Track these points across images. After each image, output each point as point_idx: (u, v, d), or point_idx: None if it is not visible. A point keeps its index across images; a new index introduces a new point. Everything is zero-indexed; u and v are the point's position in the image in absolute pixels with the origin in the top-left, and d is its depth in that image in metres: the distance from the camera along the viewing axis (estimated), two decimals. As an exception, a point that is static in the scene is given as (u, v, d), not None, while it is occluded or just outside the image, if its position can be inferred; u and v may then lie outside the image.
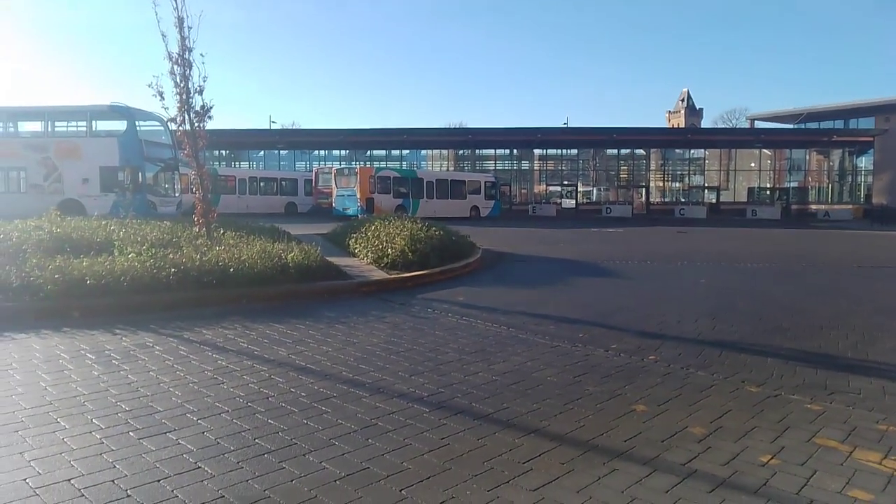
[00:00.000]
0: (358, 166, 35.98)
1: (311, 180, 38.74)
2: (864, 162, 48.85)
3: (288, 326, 6.75)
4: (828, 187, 51.12)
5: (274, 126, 64.53)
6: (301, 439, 3.70)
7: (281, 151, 51.32)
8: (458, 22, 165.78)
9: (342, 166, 38.05)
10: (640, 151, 54.01)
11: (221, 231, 11.67)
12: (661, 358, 5.83)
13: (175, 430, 3.80)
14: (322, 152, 52.20)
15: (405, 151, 52.59)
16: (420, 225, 13.04)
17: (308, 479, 3.18)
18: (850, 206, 44.29)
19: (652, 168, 54.56)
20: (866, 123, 48.67)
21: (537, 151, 53.88)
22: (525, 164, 54.70)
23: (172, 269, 7.99)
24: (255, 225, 14.19)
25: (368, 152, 52.06)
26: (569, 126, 53.90)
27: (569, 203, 46.94)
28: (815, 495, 3.14)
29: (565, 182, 51.64)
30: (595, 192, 53.59)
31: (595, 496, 3.08)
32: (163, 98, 10.79)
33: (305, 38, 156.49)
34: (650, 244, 20.33)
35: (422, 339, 6.38)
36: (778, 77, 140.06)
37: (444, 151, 54.38)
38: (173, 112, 11.08)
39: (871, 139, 46.69)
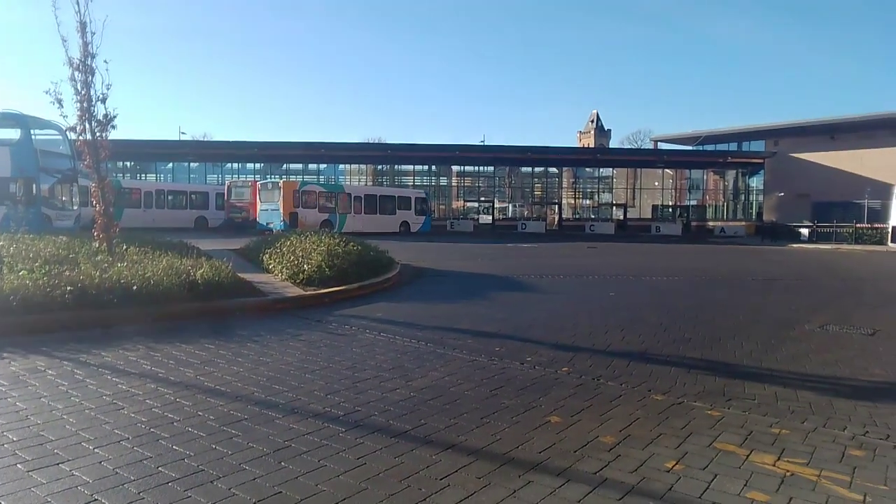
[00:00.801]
0: (282, 181, 35.41)
1: (224, 194, 37.46)
2: (756, 182, 52.55)
3: (196, 346, 6.46)
4: (723, 205, 54.62)
5: (184, 137, 62.06)
6: (208, 465, 3.52)
7: (191, 164, 49.35)
8: (379, 38, 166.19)
9: (266, 180, 37.15)
10: (553, 170, 55.80)
11: (124, 246, 11.05)
12: (574, 369, 6.00)
13: (69, 460, 3.53)
14: (235, 165, 50.67)
15: (322, 165, 51.90)
16: (338, 240, 12.87)
17: (216, 507, 3.04)
18: (744, 223, 47.45)
19: (564, 186, 56.49)
20: (757, 146, 52.54)
21: (455, 168, 54.62)
22: (443, 180, 55.30)
23: (69, 288, 7.47)
24: (161, 240, 13.53)
25: (284, 166, 51.03)
26: (486, 144, 55.04)
27: (486, 219, 47.79)
28: (717, 498, 3.30)
29: (482, 198, 52.53)
30: (511, 208, 54.88)
31: (511, 509, 3.11)
32: (62, 106, 10.23)
33: (218, 49, 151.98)
34: (563, 259, 20.98)
35: (338, 356, 6.26)
36: (680, 101, 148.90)
37: (363, 166, 54.05)
38: (73, 121, 10.50)
39: (761, 161, 50.35)
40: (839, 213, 38.82)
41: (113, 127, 10.72)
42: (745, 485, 3.47)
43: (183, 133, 66.70)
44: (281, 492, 3.22)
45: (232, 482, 3.32)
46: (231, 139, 53.95)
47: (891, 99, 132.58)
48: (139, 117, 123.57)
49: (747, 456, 3.90)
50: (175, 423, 4.18)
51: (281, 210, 31.31)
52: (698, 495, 3.33)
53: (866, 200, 38.03)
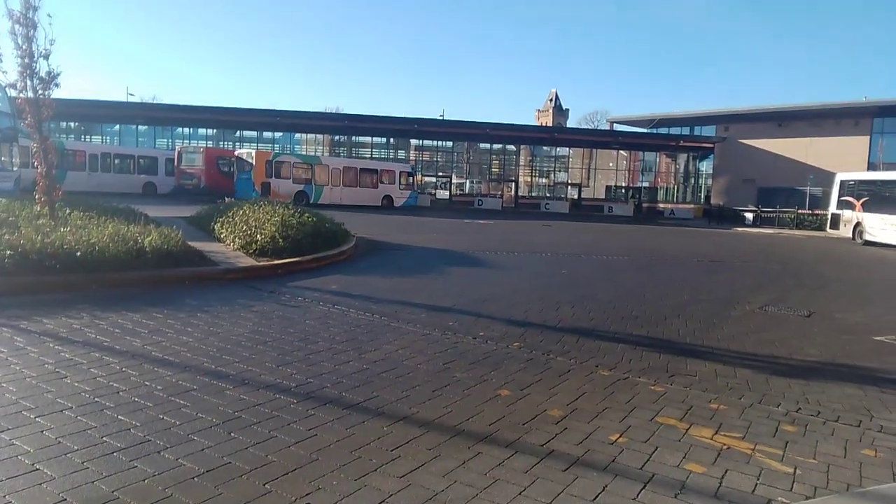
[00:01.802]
0: (255, 151, 35.73)
1: (174, 159, 36.28)
2: (706, 166, 53.86)
3: (144, 315, 6.31)
4: (674, 188, 55.82)
5: (132, 99, 59.64)
6: (156, 435, 3.48)
7: (140, 127, 47.51)
8: (340, 6, 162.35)
9: (242, 150, 37.31)
10: (511, 147, 55.94)
11: (67, 211, 10.65)
12: (525, 344, 6.11)
13: (8, 429, 3.43)
14: (186, 130, 49.01)
15: (278, 134, 50.70)
16: (292, 210, 12.69)
17: (163, 478, 3.01)
18: (692, 206, 48.68)
19: (521, 163, 56.69)
20: (708, 131, 53.68)
21: (414, 142, 54.14)
22: (402, 154, 54.80)
23: (8, 252, 7.18)
24: (107, 205, 13.08)
25: (238, 133, 49.66)
26: (445, 119, 54.66)
27: (443, 194, 47.71)
28: (657, 469, 3.45)
29: (440, 173, 52.36)
30: (468, 184, 54.89)
31: (460, 479, 3.18)
32: (1, 60, 9.76)
33: (169, 11, 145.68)
34: (518, 236, 21.19)
35: (291, 328, 6.22)
36: (636, 84, 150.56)
37: (319, 136, 53.05)
38: (13, 77, 10.01)
39: (712, 146, 51.58)
40: (783, 199, 40.22)
41: (56, 85, 10.26)
42: (684, 457, 3.64)
43: (131, 95, 64.10)
44: (230, 462, 3.21)
45: (180, 452, 3.29)
46: (182, 103, 52.02)
47: (838, 90, 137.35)
48: (84, 75, 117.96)
49: (687, 430, 4.07)
50: (121, 393, 4.10)
51: (253, 179, 31.64)
52: (639, 467, 3.47)
53: (809, 187, 39.45)
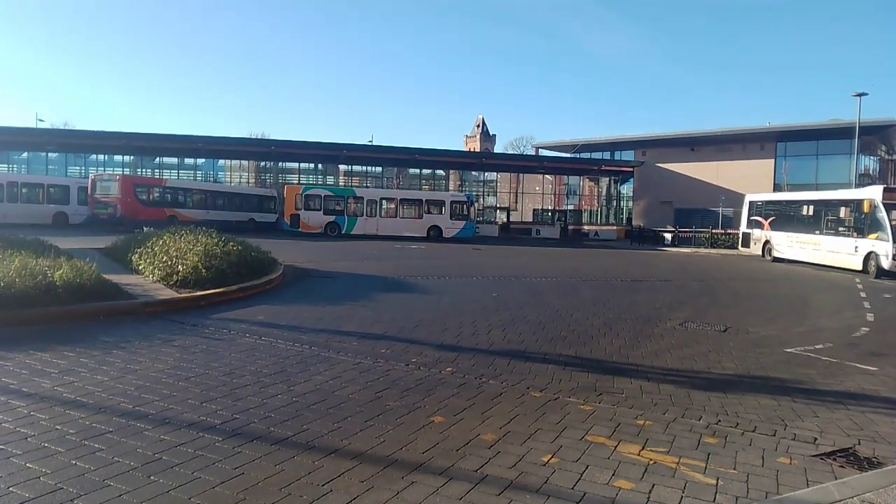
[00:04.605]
0: (286, 186, 37.34)
1: (87, 188, 34.56)
2: (626, 189, 56.23)
3: (54, 354, 5.93)
4: (598, 210, 57.92)
5: (42, 125, 56.68)
6: (68, 483, 3.26)
7: (50, 154, 45.17)
8: (262, 28, 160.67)
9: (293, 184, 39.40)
10: (441, 172, 56.62)
11: (-32, 244, 9.93)
12: (458, 369, 6.13)
13: None
14: (101, 157, 46.91)
15: (201, 161, 49.31)
16: (216, 239, 12.31)
17: (75, 529, 2.82)
18: (616, 228, 50.56)
19: (451, 188, 57.39)
20: (628, 155, 56.23)
21: (343, 167, 53.90)
22: (330, 179, 54.37)
23: None
24: (13, 237, 12.28)
25: (158, 159, 47.97)
26: (374, 144, 54.74)
27: (374, 219, 47.55)
28: (587, 488, 3.51)
29: (370, 198, 52.17)
30: (398, 209, 55.00)
31: (394, 511, 3.13)
32: None
33: (81, 32, 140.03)
34: (449, 260, 21.31)
35: (216, 362, 6.00)
36: (559, 110, 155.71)
37: (245, 163, 51.98)
38: None
39: (631, 169, 53.93)
40: (698, 220, 42.42)
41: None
42: (613, 474, 3.72)
43: (41, 121, 60.92)
44: (150, 508, 3.05)
45: (94, 500, 3.09)
46: (97, 129, 49.76)
47: (744, 116, 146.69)
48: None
49: (615, 447, 4.17)
50: (29, 439, 3.83)
51: (284, 212, 34.01)
52: (571, 486, 3.52)
53: (721, 208, 41.76)
